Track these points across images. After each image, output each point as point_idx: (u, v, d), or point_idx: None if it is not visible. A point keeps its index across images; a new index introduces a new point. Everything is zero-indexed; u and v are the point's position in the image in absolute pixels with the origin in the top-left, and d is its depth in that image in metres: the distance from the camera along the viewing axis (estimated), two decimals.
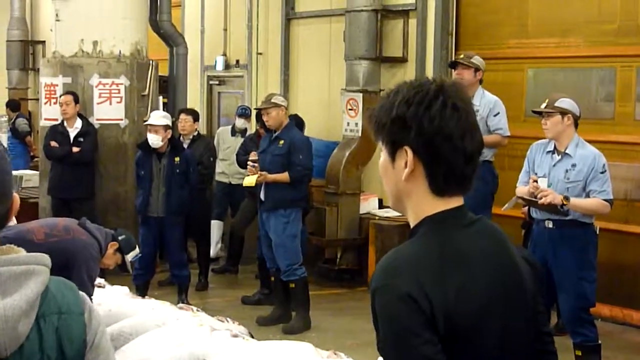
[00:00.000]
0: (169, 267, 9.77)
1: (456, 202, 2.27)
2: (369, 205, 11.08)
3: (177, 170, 9.26)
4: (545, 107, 6.68)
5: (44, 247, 5.93)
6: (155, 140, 9.11)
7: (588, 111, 9.38)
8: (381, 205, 11.12)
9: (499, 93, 9.83)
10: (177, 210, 9.31)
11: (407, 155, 2.21)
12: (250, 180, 8.72)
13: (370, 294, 2.22)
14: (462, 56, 8.35)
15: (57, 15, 10.99)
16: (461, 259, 2.22)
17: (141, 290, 8.96)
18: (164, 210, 9.24)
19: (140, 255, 7.07)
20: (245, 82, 13.49)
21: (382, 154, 2.31)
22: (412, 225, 2.30)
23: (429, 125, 2.18)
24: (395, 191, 2.30)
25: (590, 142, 8.22)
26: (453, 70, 8.19)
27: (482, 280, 2.23)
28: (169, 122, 9.28)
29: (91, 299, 5.52)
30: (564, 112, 6.66)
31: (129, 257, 6.81)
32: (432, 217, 2.25)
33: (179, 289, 9.48)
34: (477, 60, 8.02)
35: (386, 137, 2.27)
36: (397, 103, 2.23)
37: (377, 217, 10.72)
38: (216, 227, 11.76)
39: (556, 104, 6.67)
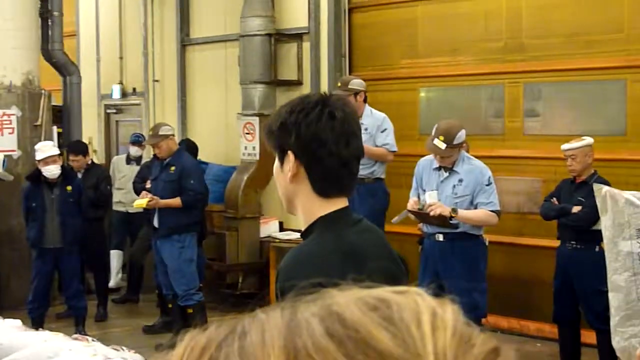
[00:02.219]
0: (65, 298, 9.60)
1: (342, 203, 2.49)
2: (269, 228, 11.08)
3: (70, 200, 9.14)
4: (447, 146, 6.72)
5: None
6: (55, 170, 8.96)
7: (478, 127, 9.60)
8: (282, 229, 11.13)
9: (393, 112, 9.97)
10: (73, 240, 9.17)
11: (289, 159, 2.42)
12: (140, 203, 8.72)
13: (277, 294, 2.39)
14: (339, 84, 8.47)
15: None
16: (357, 254, 2.44)
17: (37, 323, 8.77)
18: (59, 240, 9.08)
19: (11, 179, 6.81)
20: (142, 109, 13.39)
21: (275, 160, 2.53)
22: (305, 225, 2.51)
23: (305, 130, 2.39)
24: (286, 193, 2.53)
25: (481, 157, 8.39)
26: None
27: (378, 271, 2.39)
28: (58, 150, 9.20)
29: None
30: (459, 145, 6.81)
31: None
32: (325, 217, 2.45)
33: (75, 321, 9.33)
34: (353, 84, 8.13)
35: (274, 142, 2.49)
36: (284, 112, 2.45)
37: (277, 240, 10.72)
38: (116, 257, 11.62)
39: (454, 142, 6.74)
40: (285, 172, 2.46)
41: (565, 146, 7.66)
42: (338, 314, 0.73)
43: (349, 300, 0.75)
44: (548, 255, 8.12)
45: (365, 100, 8.17)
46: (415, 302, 0.75)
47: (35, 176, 9.10)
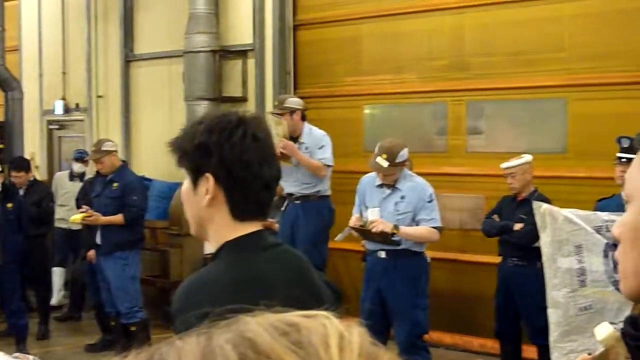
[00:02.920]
0: (5, 316, 9.46)
1: (255, 226, 2.35)
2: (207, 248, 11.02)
3: (11, 217, 9.02)
4: (390, 164, 6.76)
5: None
6: None
7: (422, 144, 9.68)
8: None
9: (337, 129, 10.03)
10: (13, 257, 9.05)
11: (208, 181, 2.27)
12: (75, 217, 8.68)
13: (172, 317, 2.29)
14: (276, 103, 8.50)
15: None
16: (257, 282, 2.28)
17: None
18: (0, 257, 8.94)
19: None
20: (86, 125, 13.28)
21: (185, 181, 2.37)
22: (213, 250, 2.36)
23: (230, 152, 2.26)
24: (197, 217, 2.37)
25: (424, 174, 8.44)
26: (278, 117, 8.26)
27: (278, 301, 2.26)
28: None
29: None
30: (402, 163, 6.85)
31: None
32: (230, 242, 2.31)
33: (16, 339, 9.19)
34: (289, 102, 8.15)
35: (189, 163, 2.33)
36: (200, 131, 2.30)
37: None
38: (58, 274, 11.47)
39: (396, 160, 6.79)
40: (199, 194, 2.31)
41: (504, 165, 7.76)
42: (250, 340, 0.74)
43: (262, 325, 0.76)
44: (491, 272, 8.19)
45: (303, 119, 8.17)
46: (323, 325, 0.76)
47: None
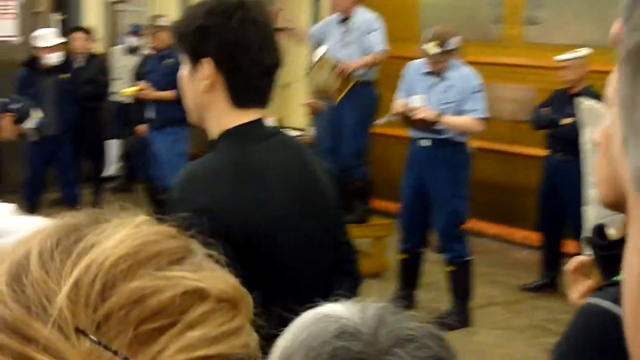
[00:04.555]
0: (59, 186, 9.70)
1: (255, 114, 2.32)
2: None
3: (66, 88, 9.17)
4: (440, 51, 6.67)
5: None
6: (56, 58, 8.99)
7: (477, 33, 9.52)
8: (280, 126, 11.14)
9: (392, 13, 9.90)
10: (69, 128, 9.23)
11: (207, 66, 2.23)
12: (126, 90, 8.79)
13: (169, 206, 2.26)
14: None
15: None
16: (256, 171, 2.28)
17: (32, 208, 8.90)
18: (56, 128, 9.13)
19: (43, 119, 6.83)
20: None
21: (183, 66, 2.33)
22: (211, 138, 2.34)
23: (228, 36, 2.21)
24: (196, 104, 2.33)
25: (478, 63, 8.32)
26: None
27: (277, 191, 2.29)
28: (60, 39, 9.18)
29: None
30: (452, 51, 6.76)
31: (30, 124, 6.59)
32: (229, 131, 2.29)
33: (68, 208, 9.40)
34: None
35: (188, 47, 2.28)
36: (199, 14, 2.24)
37: (280, 129, 10.72)
38: (113, 146, 11.68)
39: (447, 48, 6.69)
40: (198, 80, 2.27)
41: (559, 57, 7.62)
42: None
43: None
44: (539, 165, 8.14)
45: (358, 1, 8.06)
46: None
47: (32, 63, 9.11)
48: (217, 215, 2.17)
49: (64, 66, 9.26)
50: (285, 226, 2.29)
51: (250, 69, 2.24)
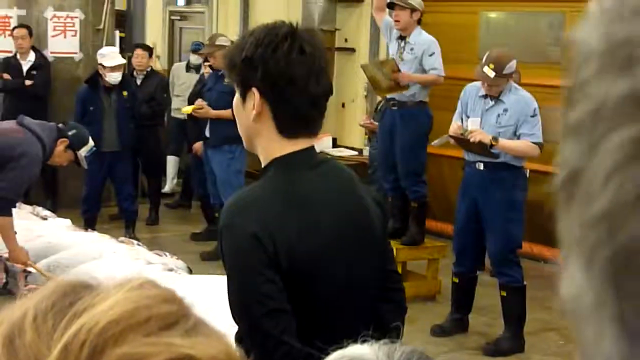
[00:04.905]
0: (117, 201, 9.82)
1: (304, 143, 2.34)
2: (322, 144, 11.10)
3: (127, 104, 9.32)
4: (497, 74, 6.65)
5: None
6: (118, 77, 9.13)
7: (537, 55, 9.47)
8: (335, 145, 11.19)
9: (452, 35, 9.90)
10: (129, 143, 9.37)
11: (254, 96, 2.26)
12: (187, 109, 8.88)
13: (218, 232, 2.31)
14: None
15: None
16: (303, 200, 2.30)
17: (89, 224, 9.02)
18: (116, 144, 9.26)
19: (94, 149, 6.88)
20: (206, 18, 13.43)
21: (236, 94, 2.37)
22: (262, 165, 2.37)
23: (274, 67, 2.24)
24: (247, 132, 2.37)
25: (537, 85, 8.27)
26: (392, 10, 8.15)
27: (325, 220, 2.31)
28: (123, 60, 9.32)
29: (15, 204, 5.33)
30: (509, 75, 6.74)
31: (83, 152, 6.63)
32: (279, 159, 2.31)
33: (126, 223, 9.56)
34: (414, 1, 7.99)
35: (237, 77, 2.33)
36: (248, 44, 2.28)
37: (330, 157, 10.74)
38: (172, 163, 11.83)
39: (504, 72, 6.67)
40: (247, 109, 2.30)
41: None
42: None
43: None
44: None
45: (419, 22, 8.03)
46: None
47: (94, 80, 9.25)
48: (265, 243, 2.20)
49: (125, 84, 9.38)
50: (331, 255, 2.32)
51: (296, 99, 2.27)
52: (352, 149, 11.08)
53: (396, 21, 7.90)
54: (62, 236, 7.61)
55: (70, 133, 6.52)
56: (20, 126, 6.26)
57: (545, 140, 6.89)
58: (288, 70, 2.24)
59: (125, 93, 9.31)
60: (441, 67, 7.94)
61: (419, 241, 8.14)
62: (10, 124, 6.47)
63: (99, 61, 9.22)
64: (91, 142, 6.74)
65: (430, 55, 7.88)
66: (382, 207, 2.53)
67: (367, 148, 9.98)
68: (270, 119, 2.29)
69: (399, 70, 7.78)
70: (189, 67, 11.53)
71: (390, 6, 8.03)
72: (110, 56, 9.18)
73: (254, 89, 2.26)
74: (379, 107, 9.34)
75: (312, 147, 2.38)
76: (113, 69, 9.05)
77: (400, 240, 7.99)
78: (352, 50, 11.11)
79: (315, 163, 2.37)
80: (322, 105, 2.34)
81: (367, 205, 2.45)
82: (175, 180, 11.99)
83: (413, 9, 7.89)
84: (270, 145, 2.32)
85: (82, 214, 9.19)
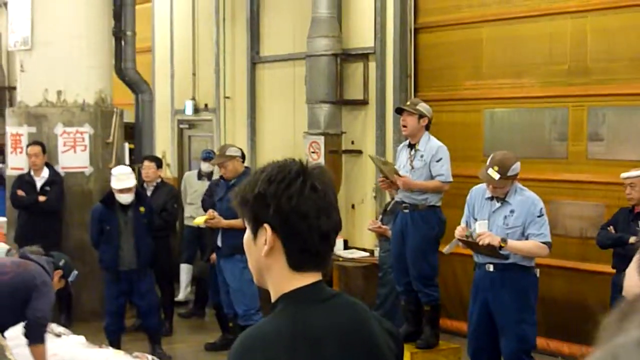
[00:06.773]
0: (138, 314, 9.76)
1: (313, 277, 2.34)
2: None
3: (144, 220, 9.30)
4: (501, 177, 6.76)
5: (8, 285, 6.39)
6: (130, 198, 9.14)
7: (542, 150, 9.57)
8: (346, 247, 11.21)
9: (457, 133, 10.03)
10: (148, 261, 9.33)
11: (266, 232, 2.28)
12: (199, 220, 8.93)
13: None
14: (408, 103, 8.45)
15: (21, 66, 11.14)
16: (312, 337, 2.29)
17: (113, 342, 8.91)
18: (134, 262, 9.18)
19: (78, 274, 7.23)
20: (214, 125, 13.63)
21: (247, 230, 2.39)
22: (272, 300, 2.37)
23: (286, 203, 2.26)
24: (257, 266, 2.37)
25: (544, 181, 8.32)
26: (399, 115, 8.28)
27: (335, 357, 2.32)
28: (134, 179, 9.34)
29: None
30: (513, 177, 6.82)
31: (72, 277, 7.10)
32: (288, 294, 2.32)
33: (150, 339, 9.41)
34: (422, 107, 8.09)
35: (248, 213, 2.34)
36: (260, 180, 2.31)
37: (341, 259, 10.77)
38: (185, 271, 11.86)
39: (508, 174, 6.76)
40: (259, 245, 2.31)
41: (624, 175, 7.63)
42: None
43: None
44: (609, 281, 8.04)
45: (427, 128, 8.12)
46: None
47: (109, 200, 9.24)
48: None
49: (141, 199, 9.40)
50: None
51: (308, 234, 2.29)
52: (364, 250, 11.10)
53: (403, 126, 8.01)
54: (76, 354, 7.62)
55: (61, 264, 6.95)
56: (27, 259, 6.71)
57: (553, 234, 6.93)
58: (300, 207, 2.26)
59: (142, 209, 9.32)
60: (448, 173, 7.98)
61: (434, 344, 8.11)
62: (17, 259, 6.84)
63: (110, 184, 9.24)
64: (75, 271, 7.11)
65: (438, 161, 7.94)
66: (395, 338, 2.52)
67: (378, 249, 10.00)
68: (282, 254, 2.31)
69: (398, 175, 7.87)
70: (200, 175, 11.66)
71: (399, 111, 8.15)
72: (118, 177, 9.13)
73: (266, 225, 2.28)
74: (387, 208, 9.40)
75: (321, 281, 2.37)
76: (121, 191, 9.08)
77: (415, 343, 7.96)
78: (359, 152, 11.23)
79: (325, 297, 2.36)
80: (332, 240, 2.36)
81: (380, 338, 2.43)
82: (188, 289, 12.01)
83: (421, 115, 7.99)
84: (280, 280, 2.34)
85: (106, 332, 9.12)
